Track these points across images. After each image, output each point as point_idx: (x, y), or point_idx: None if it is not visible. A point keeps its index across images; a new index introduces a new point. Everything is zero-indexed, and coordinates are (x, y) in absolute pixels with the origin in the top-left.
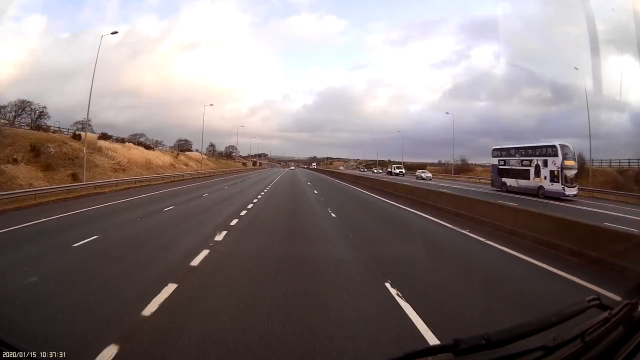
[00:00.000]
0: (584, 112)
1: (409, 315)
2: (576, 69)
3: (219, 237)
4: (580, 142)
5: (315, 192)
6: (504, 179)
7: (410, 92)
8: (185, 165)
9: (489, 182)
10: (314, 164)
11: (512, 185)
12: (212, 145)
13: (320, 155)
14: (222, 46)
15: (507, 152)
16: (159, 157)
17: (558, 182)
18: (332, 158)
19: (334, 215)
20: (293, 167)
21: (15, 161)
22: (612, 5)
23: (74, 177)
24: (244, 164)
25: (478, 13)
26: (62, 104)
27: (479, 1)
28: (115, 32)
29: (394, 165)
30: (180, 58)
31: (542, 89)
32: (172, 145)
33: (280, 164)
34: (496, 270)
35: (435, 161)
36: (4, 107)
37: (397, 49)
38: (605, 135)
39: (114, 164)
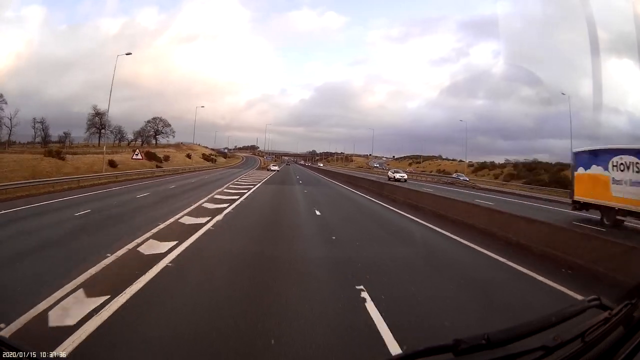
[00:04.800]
0: (582, 112)
1: None
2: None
3: None
4: (580, 143)
5: None
6: None
7: (408, 89)
8: None
9: None
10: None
11: None
12: (97, 114)
13: (319, 150)
14: (221, 39)
15: None
16: None
17: None
18: (332, 153)
19: None
20: (287, 163)
21: None
22: (612, 7)
23: None
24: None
25: (478, 11)
26: (59, 95)
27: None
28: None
29: None
30: (178, 51)
31: (541, 88)
32: None
33: (263, 157)
34: None
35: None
36: None
37: (397, 46)
38: (604, 137)
39: None
